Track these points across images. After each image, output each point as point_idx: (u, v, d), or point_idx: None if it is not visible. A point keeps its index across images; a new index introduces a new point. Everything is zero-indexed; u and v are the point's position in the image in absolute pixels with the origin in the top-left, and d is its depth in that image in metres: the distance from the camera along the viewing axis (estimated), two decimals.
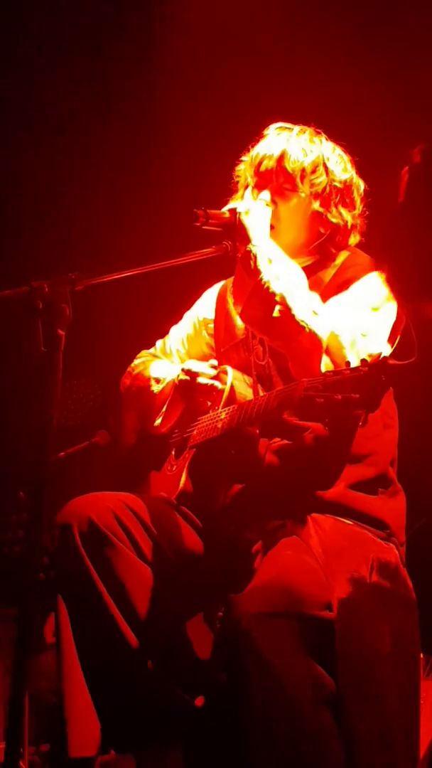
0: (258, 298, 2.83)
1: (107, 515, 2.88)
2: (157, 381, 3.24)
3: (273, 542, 2.79)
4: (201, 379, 3.10)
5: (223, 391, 3.05)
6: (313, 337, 2.77)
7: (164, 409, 3.21)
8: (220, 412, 3.00)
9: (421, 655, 3.45)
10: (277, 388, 2.92)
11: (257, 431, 2.95)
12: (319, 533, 2.80)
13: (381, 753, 2.64)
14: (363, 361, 2.52)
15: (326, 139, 3.10)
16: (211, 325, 3.30)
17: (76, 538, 2.83)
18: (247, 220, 2.92)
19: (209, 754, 2.74)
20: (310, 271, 2.98)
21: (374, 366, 2.49)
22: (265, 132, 3.11)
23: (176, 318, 3.41)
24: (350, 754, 2.57)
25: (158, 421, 3.21)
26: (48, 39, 4.82)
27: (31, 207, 4.88)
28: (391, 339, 2.95)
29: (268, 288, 2.81)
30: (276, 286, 2.81)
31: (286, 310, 2.78)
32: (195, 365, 3.14)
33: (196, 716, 2.85)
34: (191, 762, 2.85)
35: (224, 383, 3.06)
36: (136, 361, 3.40)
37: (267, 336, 2.92)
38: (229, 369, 3.09)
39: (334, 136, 3.14)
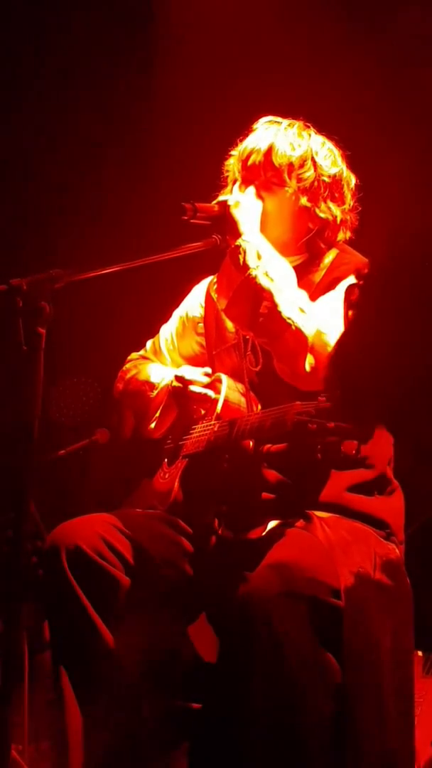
0: (245, 293, 2.81)
1: (95, 539, 2.85)
2: (151, 386, 3.21)
3: (278, 537, 2.76)
4: (194, 388, 3.07)
5: (216, 400, 3.01)
6: (298, 335, 2.74)
7: (158, 414, 3.18)
8: (213, 424, 2.97)
9: (420, 653, 3.45)
10: (269, 396, 2.90)
11: (251, 444, 2.91)
12: (324, 528, 2.79)
13: (379, 749, 2.65)
14: None
15: (316, 133, 3.07)
16: (201, 324, 3.26)
17: (64, 565, 2.81)
18: (238, 213, 2.90)
19: (216, 758, 2.72)
20: (300, 271, 2.95)
21: None
22: (255, 126, 3.08)
23: (170, 313, 3.37)
24: (350, 746, 2.58)
25: (152, 426, 3.19)
26: (46, 34, 4.82)
27: (16, 202, 4.88)
28: None
29: (256, 283, 2.79)
30: (264, 282, 2.79)
31: (273, 306, 2.76)
32: (188, 372, 3.11)
33: (199, 723, 2.84)
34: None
35: (218, 392, 3.02)
36: (127, 365, 3.37)
37: (252, 332, 2.89)
38: (223, 377, 3.05)
39: (327, 131, 3.10)
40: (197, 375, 3.10)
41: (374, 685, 2.66)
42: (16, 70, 4.83)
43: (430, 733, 3.37)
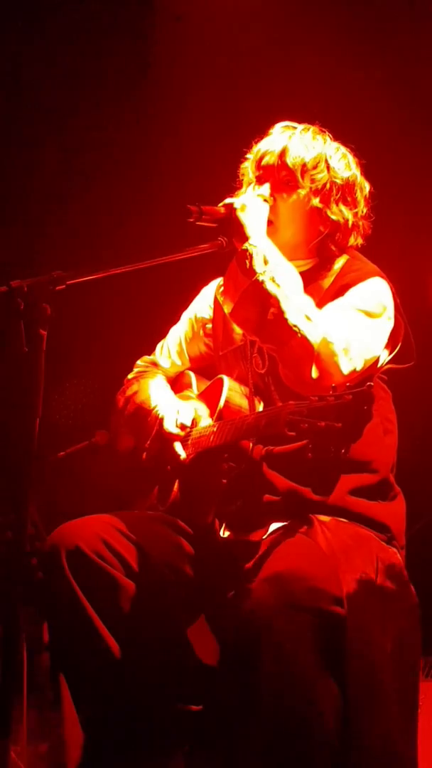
0: (251, 298, 2.79)
1: (95, 541, 2.84)
2: (149, 409, 3.18)
3: (279, 541, 2.75)
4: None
5: (219, 399, 3.01)
6: (304, 342, 2.72)
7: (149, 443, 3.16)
8: (213, 425, 2.96)
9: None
10: (274, 399, 2.91)
11: (250, 445, 2.92)
12: (325, 532, 2.78)
13: (383, 756, 2.64)
14: (348, 387, 2.50)
15: (331, 139, 3.06)
16: (209, 326, 3.26)
17: (64, 566, 2.80)
18: (244, 217, 2.87)
19: (215, 761, 2.72)
20: (309, 276, 2.94)
21: (358, 395, 2.47)
22: (270, 131, 3.08)
23: (177, 315, 3.37)
24: (354, 752, 2.58)
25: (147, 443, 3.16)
26: (46, 34, 4.81)
27: (22, 203, 4.88)
28: (390, 344, 2.92)
29: (262, 288, 2.77)
30: (271, 288, 2.77)
31: (279, 313, 2.74)
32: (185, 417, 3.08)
33: (198, 725, 2.85)
34: None
35: (220, 393, 3.02)
36: (131, 375, 3.37)
37: (258, 337, 2.86)
38: (225, 379, 3.05)
39: (344, 140, 3.10)
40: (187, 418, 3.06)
41: (378, 692, 2.65)
42: (18, 70, 4.83)
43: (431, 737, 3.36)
